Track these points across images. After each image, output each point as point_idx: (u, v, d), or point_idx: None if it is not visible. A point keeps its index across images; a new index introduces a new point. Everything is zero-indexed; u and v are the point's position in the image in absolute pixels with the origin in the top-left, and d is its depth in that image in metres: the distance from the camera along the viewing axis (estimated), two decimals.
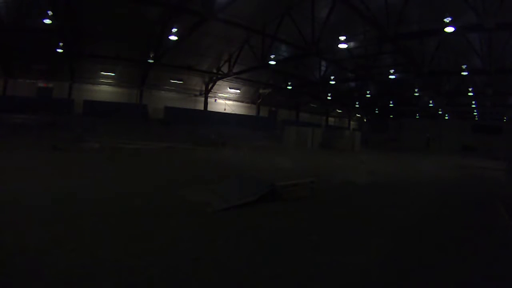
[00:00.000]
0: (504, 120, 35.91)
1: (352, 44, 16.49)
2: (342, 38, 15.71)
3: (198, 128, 22.04)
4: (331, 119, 44.36)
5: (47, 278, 2.25)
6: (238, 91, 30.32)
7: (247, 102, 32.07)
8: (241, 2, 15.09)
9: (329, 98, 34.68)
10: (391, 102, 36.55)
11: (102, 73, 22.82)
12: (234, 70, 23.66)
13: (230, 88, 29.48)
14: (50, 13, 14.62)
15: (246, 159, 11.58)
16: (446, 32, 12.57)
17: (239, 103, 31.33)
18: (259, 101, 32.60)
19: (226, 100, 30.03)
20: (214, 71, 25.43)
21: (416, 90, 28.43)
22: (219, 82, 27.51)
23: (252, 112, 32.59)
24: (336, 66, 24.86)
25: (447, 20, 12.50)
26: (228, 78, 25.88)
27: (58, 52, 18.06)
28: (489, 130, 36.50)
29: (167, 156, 11.02)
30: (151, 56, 20.31)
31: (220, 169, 8.23)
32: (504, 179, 10.99)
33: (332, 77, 25.82)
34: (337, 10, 15.30)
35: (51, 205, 4.03)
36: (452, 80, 25.70)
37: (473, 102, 31.47)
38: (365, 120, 49.91)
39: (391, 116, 44.87)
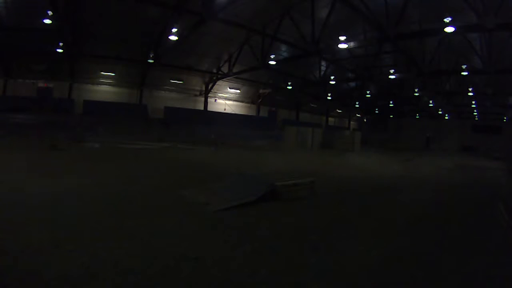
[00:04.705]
0: (504, 120, 35.93)
1: (352, 44, 16.50)
2: (342, 38, 15.74)
3: (198, 128, 22.06)
4: (331, 119, 44.31)
5: (45, 278, 2.26)
6: (238, 91, 30.32)
7: (247, 102, 32.05)
8: (241, 2, 15.10)
9: (329, 98, 34.68)
10: (391, 102, 36.56)
11: (102, 73, 22.79)
12: (234, 70, 23.66)
13: (230, 88, 29.47)
14: (50, 13, 14.63)
15: (245, 159, 11.58)
16: (446, 32, 12.58)
17: (239, 103, 31.32)
18: (259, 101, 32.59)
19: (226, 100, 30.01)
20: (214, 71, 25.44)
21: (416, 90, 28.46)
22: (219, 82, 27.50)
23: (252, 112, 32.58)
24: (336, 66, 24.90)
25: (447, 20, 12.53)
26: (228, 78, 25.88)
27: (58, 52, 18.06)
28: (489, 130, 36.57)
29: (166, 156, 11.03)
30: (151, 56, 20.32)
31: (219, 170, 8.23)
32: (504, 179, 10.98)
33: (332, 77, 25.84)
34: (337, 10, 15.32)
35: (47, 205, 4.03)
36: (452, 80, 25.74)
37: (473, 102, 31.51)
38: (365, 120, 49.89)
39: (391, 116, 44.89)
